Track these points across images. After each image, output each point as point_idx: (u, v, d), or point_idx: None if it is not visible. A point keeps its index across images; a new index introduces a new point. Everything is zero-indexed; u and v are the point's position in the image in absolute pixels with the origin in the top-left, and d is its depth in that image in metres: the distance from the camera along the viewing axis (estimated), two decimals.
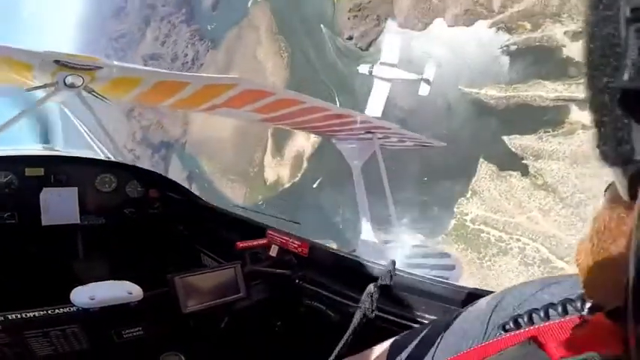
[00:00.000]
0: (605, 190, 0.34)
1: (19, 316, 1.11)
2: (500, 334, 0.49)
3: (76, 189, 2.38)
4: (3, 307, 1.13)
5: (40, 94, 2.60)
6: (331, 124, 4.61)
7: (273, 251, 1.71)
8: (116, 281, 1.22)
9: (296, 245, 1.63)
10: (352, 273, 1.47)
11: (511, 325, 0.48)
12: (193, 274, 1.34)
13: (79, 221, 2.36)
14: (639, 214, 0.23)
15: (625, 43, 0.23)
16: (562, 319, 0.43)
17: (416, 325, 1.26)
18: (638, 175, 0.24)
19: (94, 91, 2.74)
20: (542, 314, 0.46)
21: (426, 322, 1.24)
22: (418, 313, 1.30)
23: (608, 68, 0.24)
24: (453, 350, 0.54)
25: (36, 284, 1.22)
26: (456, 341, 0.55)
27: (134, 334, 1.30)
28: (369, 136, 5.25)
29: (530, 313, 0.47)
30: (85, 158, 2.55)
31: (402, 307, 1.33)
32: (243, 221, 2.13)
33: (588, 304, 0.42)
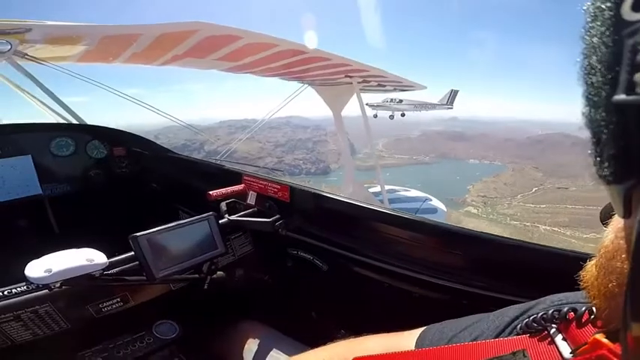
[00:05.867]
0: (601, 216, 0.34)
1: None
2: (516, 334, 0.48)
3: (29, 156, 2.16)
4: None
5: None
6: (308, 68, 4.31)
7: (251, 199, 1.55)
8: (74, 249, 1.04)
9: (275, 190, 1.47)
10: (338, 215, 1.34)
11: (522, 327, 0.47)
12: (160, 231, 1.16)
13: (40, 191, 2.17)
14: (637, 235, 0.22)
15: (620, 57, 0.22)
16: (561, 325, 0.43)
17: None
18: (634, 192, 0.23)
19: (27, 55, 2.42)
20: (548, 317, 0.45)
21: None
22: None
23: (603, 83, 0.23)
24: (475, 335, 0.53)
25: (8, 267, 1.05)
26: (487, 327, 0.53)
27: (114, 306, 1.16)
28: (348, 80, 5.00)
29: (538, 317, 0.46)
30: (34, 124, 2.29)
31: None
32: (219, 169, 1.94)
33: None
